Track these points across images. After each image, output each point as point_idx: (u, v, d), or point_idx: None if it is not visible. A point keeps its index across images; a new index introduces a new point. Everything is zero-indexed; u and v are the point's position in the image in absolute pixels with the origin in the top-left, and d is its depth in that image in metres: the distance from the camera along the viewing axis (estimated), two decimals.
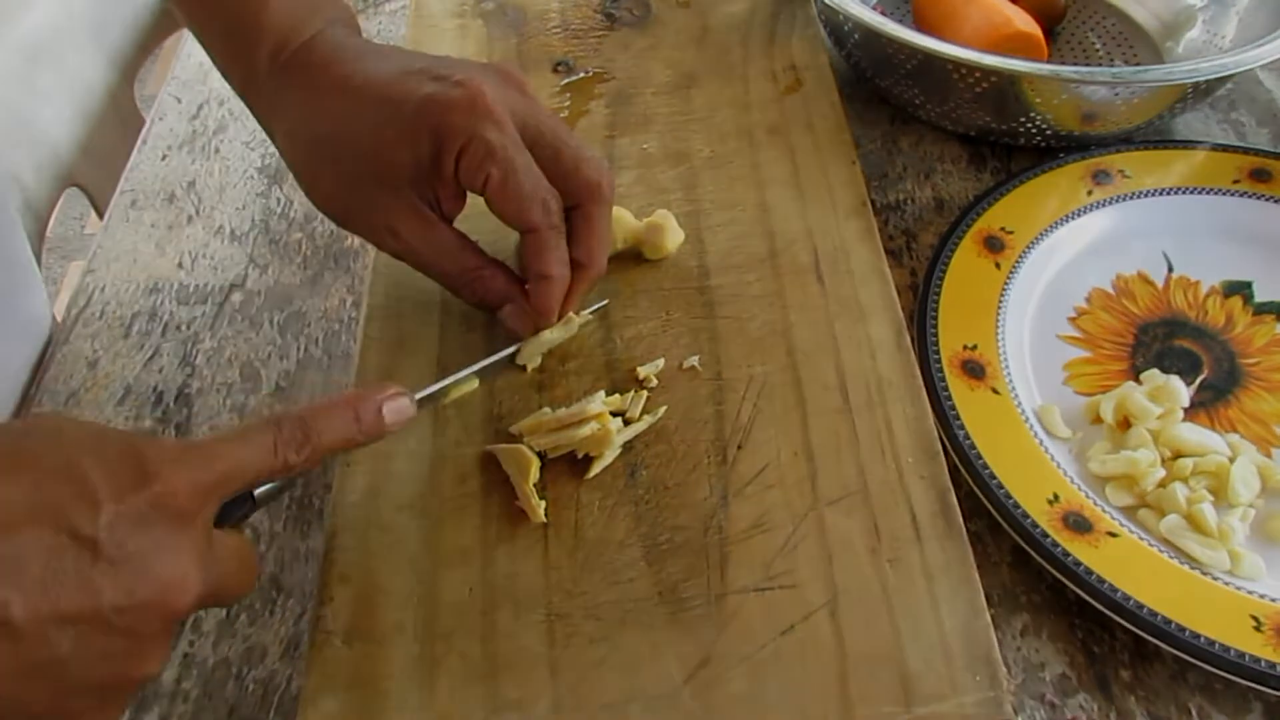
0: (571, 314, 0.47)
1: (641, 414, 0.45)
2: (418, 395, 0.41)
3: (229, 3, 0.46)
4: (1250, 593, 0.42)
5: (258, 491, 0.37)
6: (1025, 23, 0.64)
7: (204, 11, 0.48)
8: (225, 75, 0.49)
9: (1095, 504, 0.45)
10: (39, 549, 0.28)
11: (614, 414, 0.45)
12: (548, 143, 0.45)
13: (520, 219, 0.44)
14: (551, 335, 0.47)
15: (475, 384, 0.47)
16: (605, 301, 0.50)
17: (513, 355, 0.47)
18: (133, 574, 0.30)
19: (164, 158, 0.64)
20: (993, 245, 0.55)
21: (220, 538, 0.34)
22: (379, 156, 0.44)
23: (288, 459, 0.35)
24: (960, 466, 0.45)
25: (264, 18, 0.45)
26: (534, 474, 0.43)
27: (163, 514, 0.31)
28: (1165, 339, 0.52)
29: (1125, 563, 0.42)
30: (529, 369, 0.47)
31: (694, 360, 0.47)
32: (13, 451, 0.30)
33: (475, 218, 0.46)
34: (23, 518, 0.28)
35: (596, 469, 0.44)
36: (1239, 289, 0.54)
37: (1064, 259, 0.55)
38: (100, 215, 0.70)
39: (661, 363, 0.47)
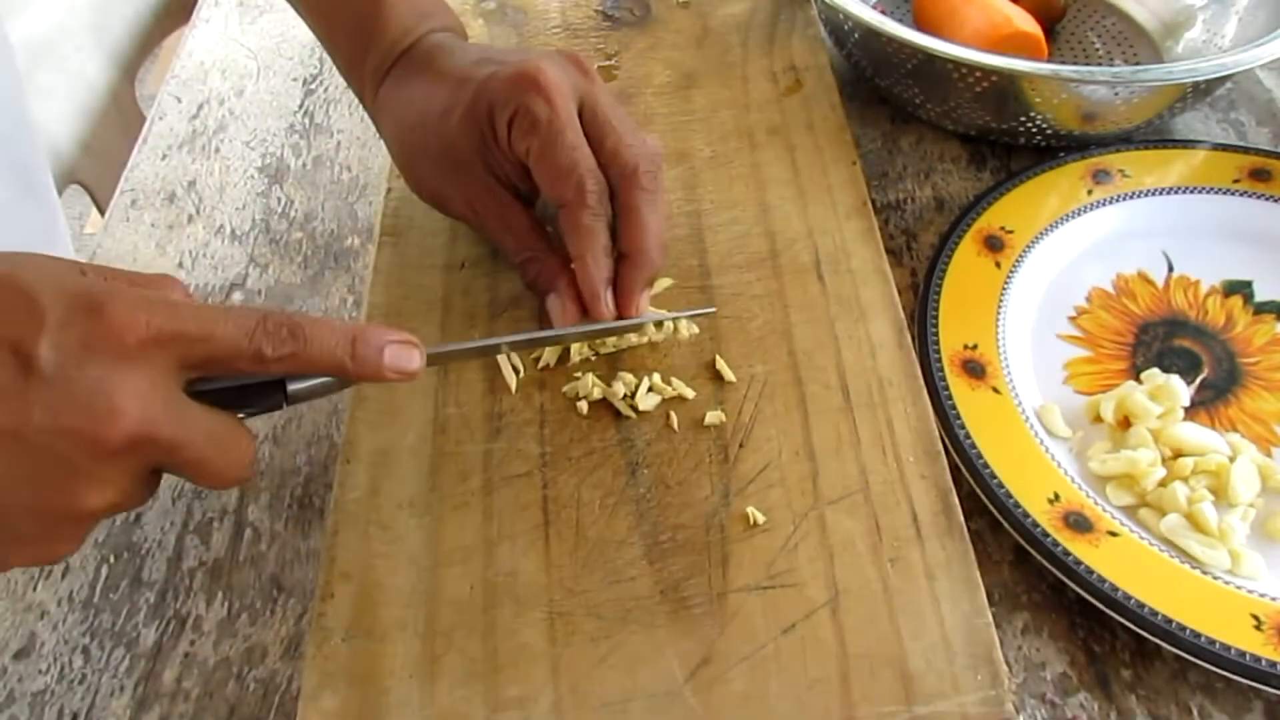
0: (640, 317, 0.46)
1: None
2: (442, 349, 0.41)
3: (351, 11, 0.50)
4: (1250, 592, 0.42)
5: (291, 387, 0.36)
6: (1025, 22, 0.64)
7: (329, 19, 0.51)
8: (347, 80, 0.52)
9: (1096, 503, 0.45)
10: None
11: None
12: (599, 124, 0.46)
13: (554, 192, 0.45)
14: (635, 335, 0.47)
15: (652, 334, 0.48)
16: (713, 309, 0.49)
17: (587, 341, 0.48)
18: (62, 395, 0.30)
19: (164, 157, 0.64)
20: (993, 245, 0.55)
21: (187, 403, 0.33)
22: (451, 136, 0.46)
23: (263, 349, 0.34)
24: (961, 466, 0.45)
25: (380, 24, 0.49)
26: None
27: (107, 345, 0.30)
28: (1165, 338, 0.52)
29: (1126, 562, 0.42)
30: (552, 364, 0.48)
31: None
32: None
33: None
34: None
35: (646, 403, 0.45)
36: (1239, 288, 0.54)
37: (1064, 258, 0.55)
38: (101, 213, 0.70)
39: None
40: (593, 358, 0.48)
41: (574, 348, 0.47)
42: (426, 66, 0.49)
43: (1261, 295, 0.54)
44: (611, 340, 0.47)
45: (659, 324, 0.47)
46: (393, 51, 0.49)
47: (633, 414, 0.46)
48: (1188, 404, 0.48)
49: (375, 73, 0.50)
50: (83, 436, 0.30)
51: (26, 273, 0.31)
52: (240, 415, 0.36)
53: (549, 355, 0.48)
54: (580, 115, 0.46)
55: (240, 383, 0.36)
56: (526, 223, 0.48)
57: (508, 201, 0.48)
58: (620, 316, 0.46)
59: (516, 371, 0.47)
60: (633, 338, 0.48)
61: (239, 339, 0.33)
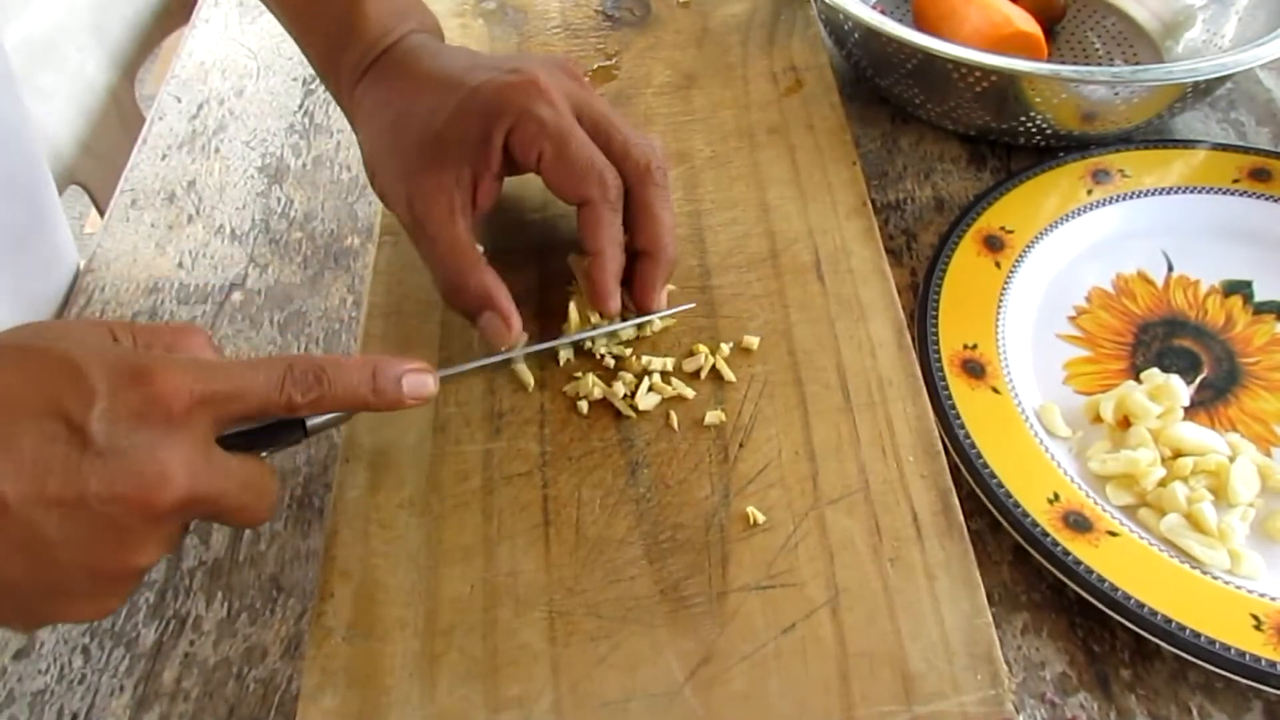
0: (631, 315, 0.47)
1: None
2: (443, 373, 0.42)
3: (328, 11, 0.49)
4: (1250, 592, 0.42)
5: (310, 421, 0.38)
6: (1025, 22, 0.64)
7: (304, 18, 0.51)
8: (320, 75, 0.52)
9: (1095, 503, 0.45)
10: (34, 434, 0.31)
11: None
12: (601, 129, 0.46)
13: (576, 192, 0.45)
14: (629, 330, 0.48)
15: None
16: (692, 304, 0.49)
17: (579, 343, 0.48)
18: (117, 466, 0.31)
19: (164, 157, 0.64)
20: (993, 244, 0.55)
21: (225, 456, 0.35)
22: (429, 136, 0.46)
23: (293, 398, 0.36)
24: (961, 466, 0.45)
25: (358, 21, 0.48)
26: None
27: (154, 414, 0.32)
28: (1165, 338, 0.52)
29: (1125, 562, 0.42)
30: (564, 361, 0.48)
31: (699, 359, 0.47)
32: (22, 344, 0.33)
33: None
34: (22, 404, 0.31)
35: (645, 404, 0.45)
36: (1239, 288, 0.54)
37: (1064, 258, 0.55)
38: (101, 213, 0.70)
39: (669, 362, 0.47)
40: (606, 356, 0.48)
41: (596, 345, 0.48)
42: (408, 67, 0.48)
43: (1261, 295, 0.54)
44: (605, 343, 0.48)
45: (641, 325, 0.48)
46: (372, 50, 0.49)
47: (633, 414, 0.46)
48: (1187, 404, 0.48)
49: (354, 69, 0.49)
50: (135, 503, 0.32)
51: (72, 346, 0.33)
52: (264, 455, 0.38)
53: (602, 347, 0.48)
54: (579, 121, 0.46)
55: (264, 423, 0.37)
56: (465, 239, 0.45)
57: (454, 215, 0.45)
58: (643, 312, 0.47)
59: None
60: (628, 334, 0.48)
61: (271, 391, 0.36)
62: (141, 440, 0.32)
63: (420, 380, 0.40)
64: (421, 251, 0.47)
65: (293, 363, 0.36)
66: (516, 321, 0.46)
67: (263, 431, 0.38)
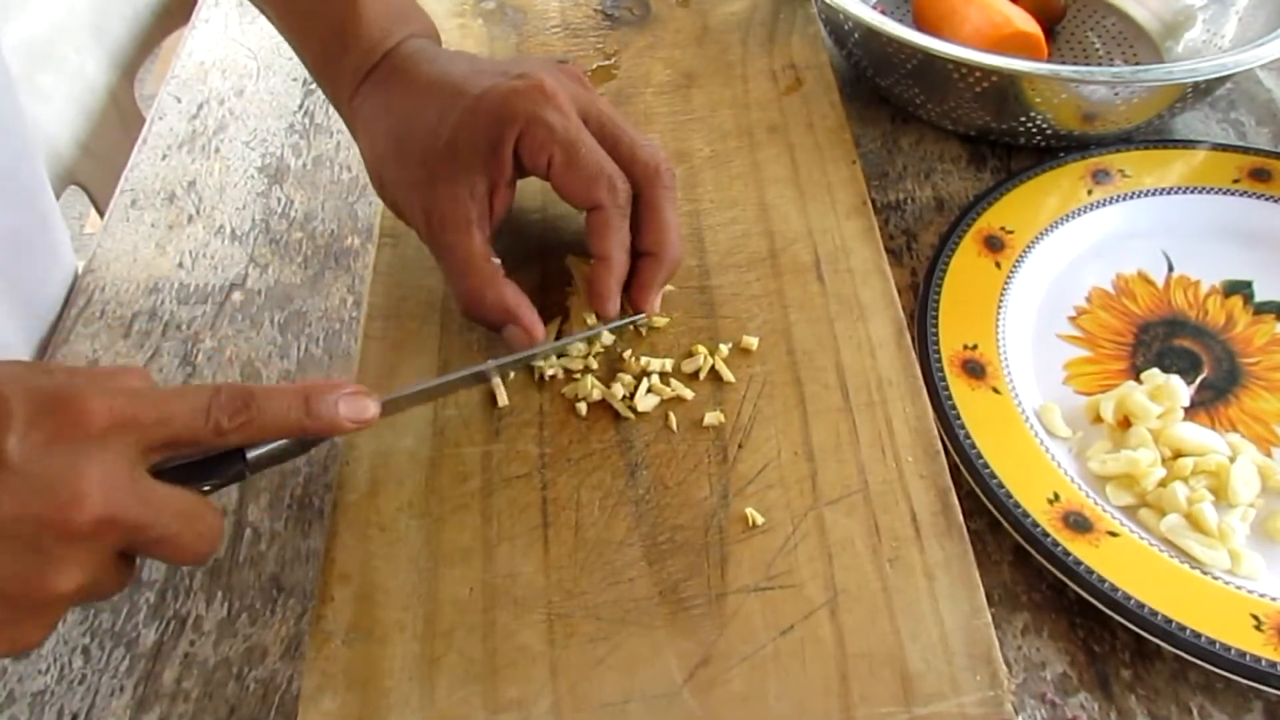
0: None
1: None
2: (396, 395, 0.42)
3: (324, 16, 0.49)
4: (1250, 592, 0.42)
5: (251, 454, 0.37)
6: (1025, 22, 0.64)
7: (300, 24, 0.51)
8: (316, 79, 0.52)
9: (1095, 503, 0.45)
10: None
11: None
12: (607, 132, 0.46)
13: (586, 197, 0.45)
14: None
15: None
16: (664, 318, 0.49)
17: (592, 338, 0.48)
18: (31, 486, 0.31)
19: (164, 157, 0.64)
20: (993, 245, 0.55)
21: (153, 484, 0.34)
22: (439, 146, 0.45)
23: (219, 423, 0.35)
24: (960, 466, 0.45)
25: (355, 28, 0.48)
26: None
27: (72, 434, 0.32)
28: (1165, 338, 0.52)
29: (1126, 562, 0.42)
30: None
31: (698, 360, 0.47)
32: None
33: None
34: None
35: (644, 405, 0.46)
36: (1239, 289, 0.54)
37: (1064, 258, 0.55)
38: (101, 214, 0.70)
39: (668, 363, 0.47)
40: (592, 361, 0.48)
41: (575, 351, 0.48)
42: (408, 73, 0.48)
43: (1261, 295, 0.54)
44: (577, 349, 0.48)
45: (637, 326, 0.48)
46: (372, 54, 0.48)
47: (631, 415, 0.46)
48: (1188, 404, 0.48)
49: (353, 74, 0.49)
50: (49, 522, 0.31)
51: None
52: (205, 488, 0.37)
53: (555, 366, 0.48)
54: (585, 124, 0.46)
55: (202, 456, 0.37)
56: (483, 248, 0.45)
57: (470, 224, 0.45)
58: (637, 311, 0.47)
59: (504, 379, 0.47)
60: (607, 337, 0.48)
61: (195, 417, 0.35)
62: (57, 460, 0.31)
63: (359, 404, 0.39)
64: (440, 264, 0.47)
65: (220, 388, 0.36)
66: (540, 331, 0.46)
67: (201, 465, 0.37)
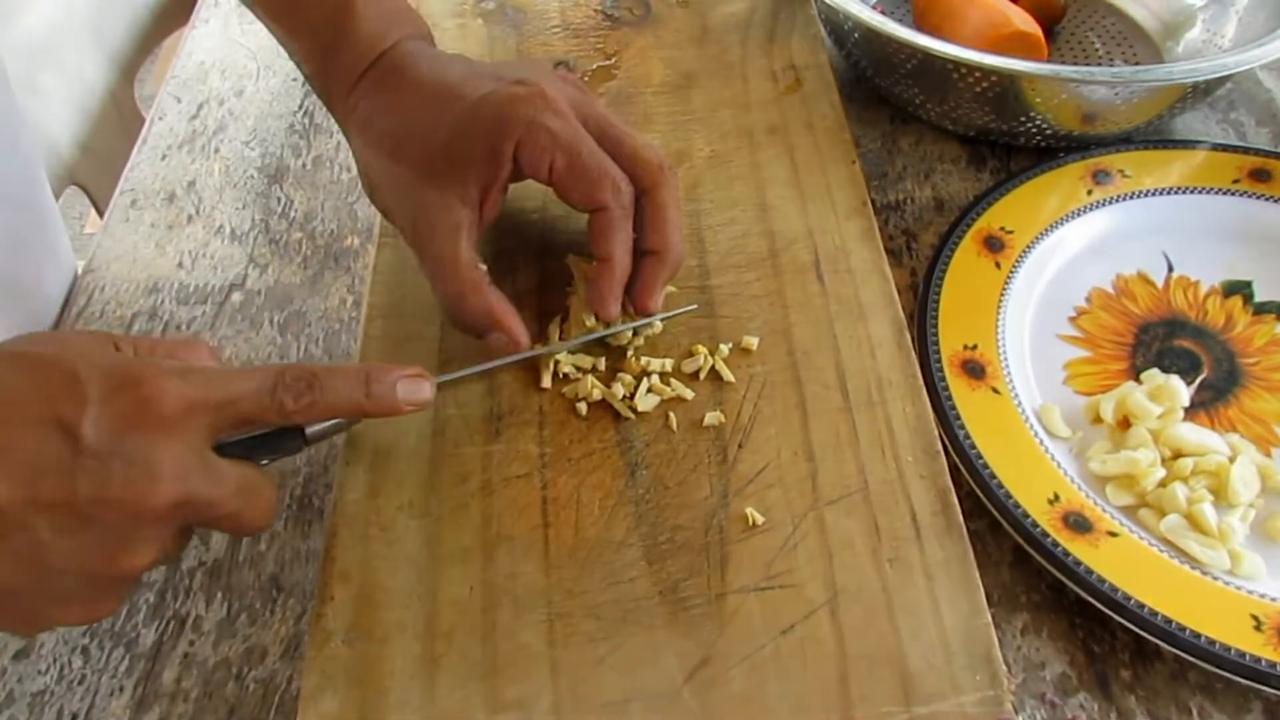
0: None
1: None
2: (449, 376, 0.43)
3: (317, 18, 0.49)
4: (1250, 592, 0.42)
5: (309, 429, 0.39)
6: (1025, 22, 0.64)
7: (292, 22, 0.50)
8: (312, 85, 0.51)
9: (1095, 504, 0.45)
10: (28, 439, 0.31)
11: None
12: (608, 135, 0.46)
13: (590, 199, 0.45)
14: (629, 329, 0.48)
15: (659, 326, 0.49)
16: (693, 305, 0.49)
17: (602, 339, 0.48)
18: (107, 469, 0.32)
19: (164, 157, 0.64)
20: (993, 245, 0.55)
21: (220, 462, 0.35)
22: (435, 149, 0.45)
23: (285, 403, 0.36)
24: (960, 466, 0.45)
25: (350, 25, 0.48)
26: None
27: (146, 418, 0.33)
28: (1165, 339, 0.52)
29: (1125, 562, 0.42)
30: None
31: (698, 360, 0.47)
32: (20, 352, 0.33)
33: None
34: (17, 410, 0.31)
35: (643, 406, 0.46)
36: (1239, 289, 0.54)
37: (1064, 259, 0.55)
38: (100, 214, 0.70)
39: (668, 363, 0.47)
40: (598, 364, 0.48)
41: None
42: (403, 76, 0.48)
43: (1261, 295, 0.54)
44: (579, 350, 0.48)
45: (639, 328, 0.48)
46: (366, 56, 0.48)
47: (632, 415, 0.46)
48: (1187, 404, 0.48)
49: (347, 75, 0.48)
50: (127, 505, 0.32)
51: (68, 353, 0.33)
52: (264, 462, 0.38)
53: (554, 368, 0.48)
54: (584, 127, 0.45)
55: (263, 431, 0.38)
56: (466, 254, 0.45)
57: (459, 232, 0.45)
58: (641, 313, 0.47)
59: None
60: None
61: (263, 398, 0.36)
62: (133, 444, 0.32)
63: (416, 385, 0.40)
64: (423, 269, 0.46)
65: (285, 369, 0.37)
66: (524, 339, 0.45)
67: (261, 440, 0.38)
